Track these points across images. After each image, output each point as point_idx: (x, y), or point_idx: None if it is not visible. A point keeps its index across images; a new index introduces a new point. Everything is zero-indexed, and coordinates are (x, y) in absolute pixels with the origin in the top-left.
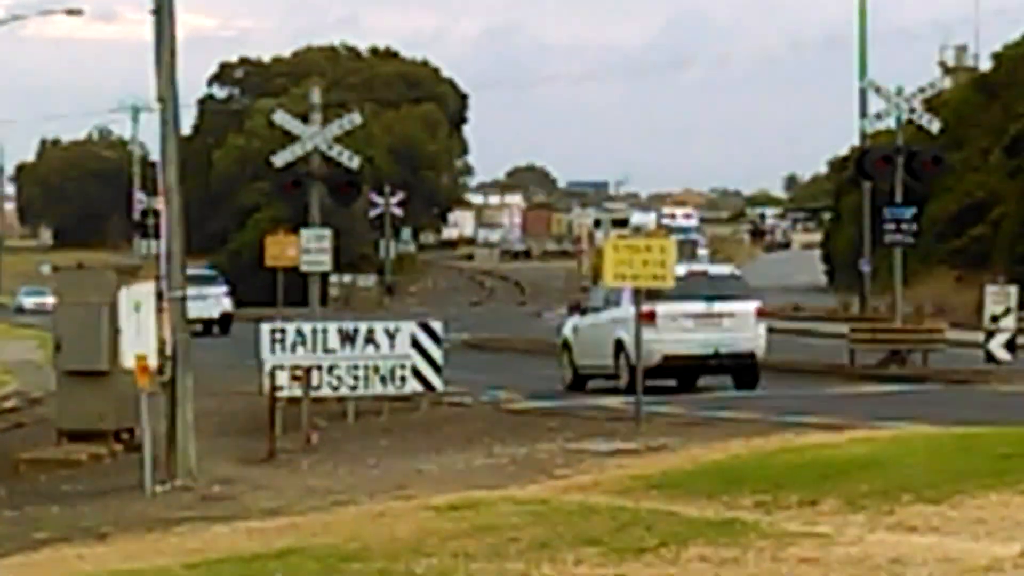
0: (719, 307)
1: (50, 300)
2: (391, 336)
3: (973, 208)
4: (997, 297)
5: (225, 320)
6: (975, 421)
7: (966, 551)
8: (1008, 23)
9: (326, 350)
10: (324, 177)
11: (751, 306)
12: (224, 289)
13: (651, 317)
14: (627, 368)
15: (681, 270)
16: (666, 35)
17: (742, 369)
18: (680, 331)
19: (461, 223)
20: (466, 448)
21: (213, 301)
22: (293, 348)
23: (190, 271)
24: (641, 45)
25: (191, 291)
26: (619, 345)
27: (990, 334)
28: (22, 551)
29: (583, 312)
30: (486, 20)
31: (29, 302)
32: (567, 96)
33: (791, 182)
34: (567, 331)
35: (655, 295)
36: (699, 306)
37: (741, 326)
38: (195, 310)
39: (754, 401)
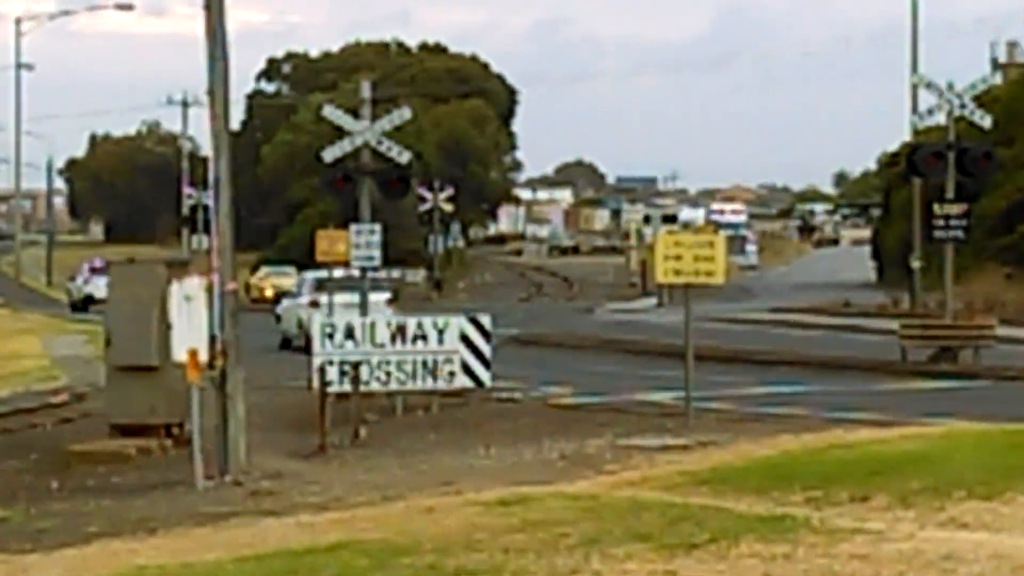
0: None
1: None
2: (440, 331)
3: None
4: None
5: None
6: None
7: (1018, 548)
8: None
9: (375, 345)
10: (374, 172)
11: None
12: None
13: (315, 304)
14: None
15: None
16: (716, 30)
17: None
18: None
19: (509, 218)
20: (515, 443)
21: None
22: (343, 343)
23: None
24: (691, 40)
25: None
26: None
27: None
28: (73, 544)
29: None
30: (536, 14)
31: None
32: (616, 91)
33: (840, 178)
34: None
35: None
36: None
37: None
38: None
39: (804, 397)
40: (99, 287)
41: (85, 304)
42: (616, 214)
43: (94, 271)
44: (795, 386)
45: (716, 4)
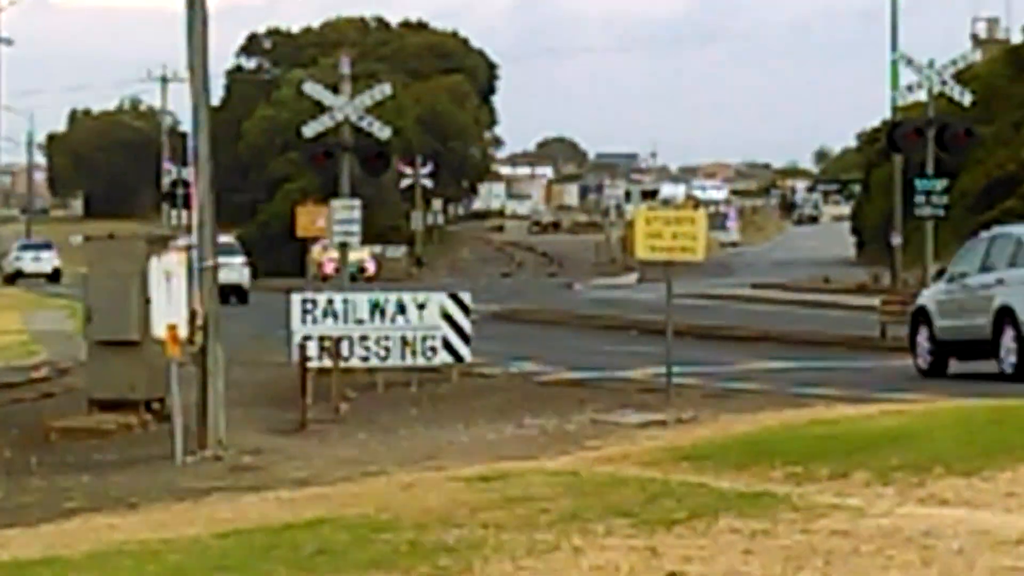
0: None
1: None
2: (420, 307)
3: (1004, 181)
4: None
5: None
6: (1006, 394)
7: (997, 524)
8: None
9: (356, 321)
10: (354, 148)
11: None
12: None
13: None
14: None
15: None
16: (698, 6)
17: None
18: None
19: (489, 194)
20: (496, 419)
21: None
22: (323, 319)
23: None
24: (673, 16)
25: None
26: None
27: None
28: (53, 520)
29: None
30: None
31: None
32: (598, 67)
33: (821, 155)
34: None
35: None
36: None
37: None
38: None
39: (784, 374)
40: (26, 262)
41: (14, 278)
42: (584, 191)
43: (24, 248)
44: (776, 362)
45: None
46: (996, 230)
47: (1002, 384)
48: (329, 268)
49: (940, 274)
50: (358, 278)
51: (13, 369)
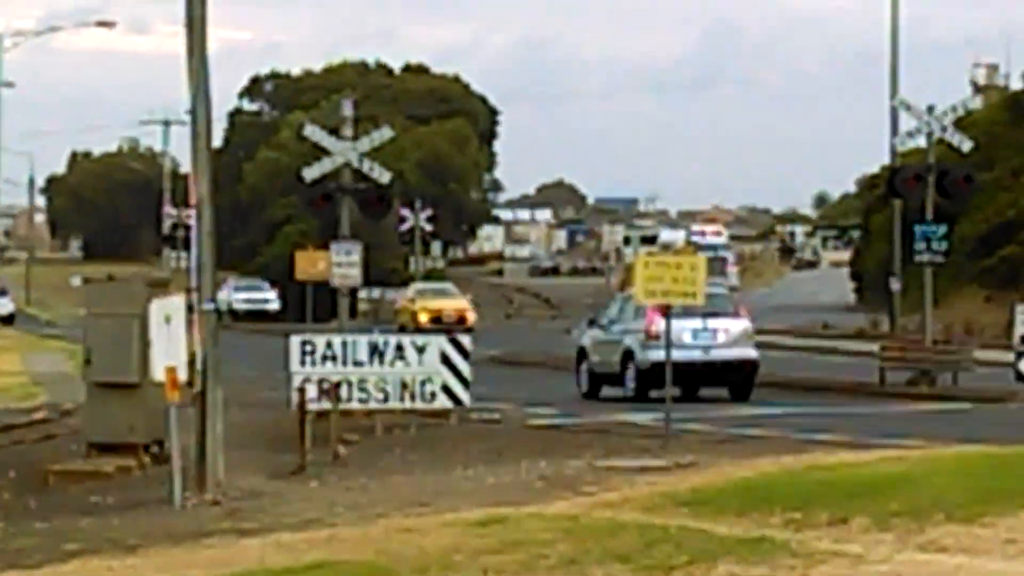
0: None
1: (271, 295)
2: (420, 350)
3: (1003, 228)
4: None
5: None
6: (1005, 441)
7: (997, 571)
8: None
9: (355, 363)
10: (354, 191)
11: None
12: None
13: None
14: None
15: None
16: (700, 51)
17: None
18: None
19: (490, 238)
20: (495, 463)
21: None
22: (322, 361)
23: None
24: (675, 60)
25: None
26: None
27: (1020, 354)
28: (52, 563)
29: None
30: (521, 33)
31: (241, 299)
32: (598, 111)
33: (821, 200)
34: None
35: None
36: None
37: None
38: None
39: (783, 419)
40: (4, 305)
41: None
42: (572, 236)
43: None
44: (775, 408)
45: (700, 25)
46: (628, 292)
47: (628, 403)
48: (426, 318)
49: (592, 322)
50: (455, 330)
51: (13, 411)
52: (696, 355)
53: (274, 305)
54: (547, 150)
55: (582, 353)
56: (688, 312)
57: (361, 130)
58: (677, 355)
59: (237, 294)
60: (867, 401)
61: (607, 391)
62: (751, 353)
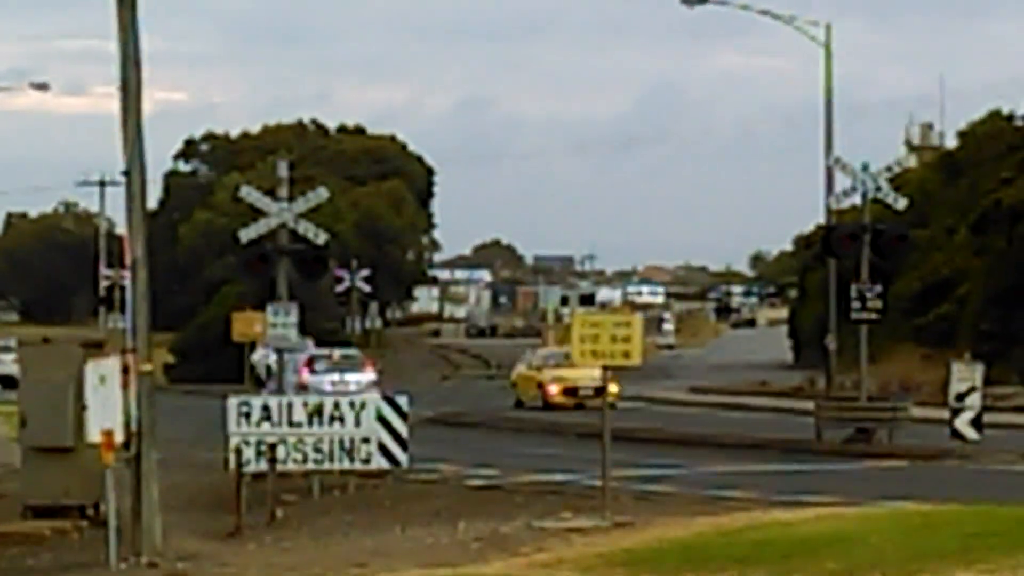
0: None
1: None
2: (357, 411)
3: (939, 286)
4: (963, 375)
5: None
6: (942, 498)
7: None
8: (973, 101)
9: (292, 424)
10: (291, 252)
11: None
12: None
13: None
14: None
15: None
16: (636, 110)
17: None
18: None
19: (426, 299)
20: (432, 524)
21: None
22: (259, 422)
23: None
24: (611, 120)
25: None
26: None
27: (956, 411)
28: None
29: None
30: (459, 94)
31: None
32: (536, 171)
33: (757, 259)
34: None
35: None
36: None
37: None
38: None
39: (721, 477)
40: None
41: None
42: (496, 296)
43: None
44: (713, 466)
45: (637, 85)
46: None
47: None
48: (554, 389)
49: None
50: (590, 405)
51: None
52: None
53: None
54: (484, 209)
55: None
56: (330, 368)
57: (297, 191)
58: None
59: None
60: (804, 459)
61: None
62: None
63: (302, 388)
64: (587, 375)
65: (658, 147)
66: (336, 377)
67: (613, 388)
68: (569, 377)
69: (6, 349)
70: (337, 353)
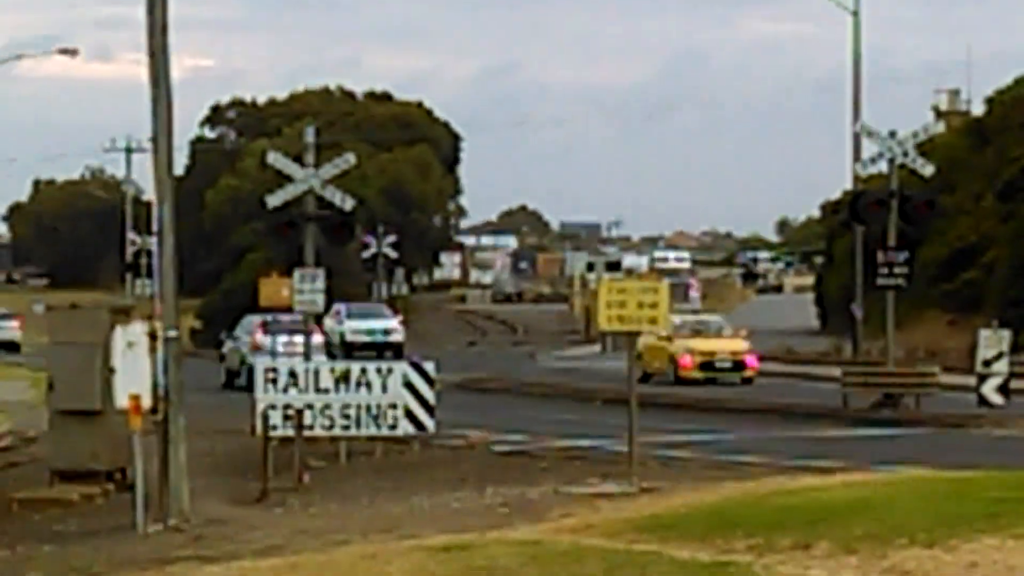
0: None
1: (394, 323)
2: (384, 377)
3: (965, 252)
4: (990, 341)
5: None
6: (968, 465)
7: None
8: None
9: (319, 390)
10: (318, 218)
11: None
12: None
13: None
14: None
15: None
16: (663, 76)
17: None
18: None
19: (452, 264)
20: (458, 489)
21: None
22: (286, 388)
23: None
24: (638, 86)
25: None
26: None
27: (983, 378)
28: None
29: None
30: (484, 60)
31: (357, 328)
32: (562, 137)
33: (783, 225)
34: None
35: None
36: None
37: None
38: None
39: (747, 444)
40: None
41: None
42: (516, 261)
43: None
44: (738, 433)
45: (664, 51)
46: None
47: None
48: (688, 361)
49: (229, 335)
50: (725, 380)
51: None
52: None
53: (398, 336)
54: (511, 176)
55: (220, 357)
56: (282, 330)
57: (324, 157)
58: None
59: (351, 322)
60: (830, 426)
61: (236, 383)
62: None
63: (256, 349)
64: (725, 346)
65: (685, 113)
66: (287, 339)
67: (752, 363)
68: (705, 349)
69: (6, 316)
70: (287, 318)
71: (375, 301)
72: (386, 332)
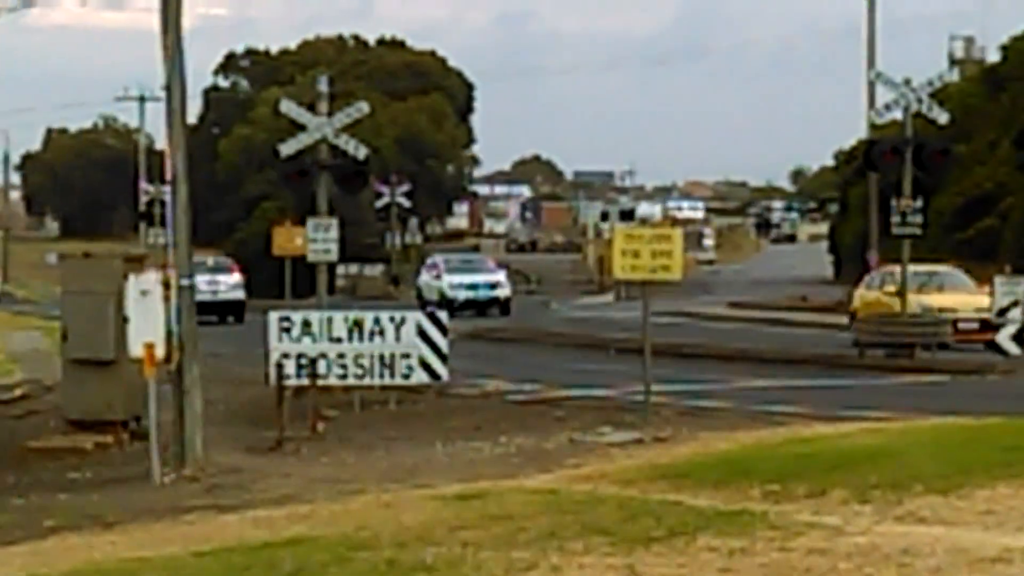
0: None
1: (500, 277)
2: (398, 326)
3: (980, 200)
4: (1005, 289)
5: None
6: (983, 412)
7: (975, 542)
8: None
9: (332, 339)
10: (331, 167)
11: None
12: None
13: None
14: None
15: None
16: (676, 25)
17: None
18: None
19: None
20: (473, 438)
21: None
22: (300, 337)
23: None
24: (652, 35)
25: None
26: None
27: (998, 326)
28: (30, 539)
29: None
30: (498, 8)
31: (459, 283)
32: (575, 86)
33: (798, 174)
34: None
35: None
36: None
37: None
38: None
39: (762, 392)
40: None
41: None
42: (523, 211)
43: None
44: (753, 381)
45: (677, 0)
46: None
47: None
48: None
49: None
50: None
51: None
52: (207, 297)
53: (505, 291)
54: (525, 125)
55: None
56: (204, 271)
57: (337, 106)
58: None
59: (452, 277)
60: (846, 374)
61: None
62: (240, 295)
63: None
64: (967, 303)
65: (698, 62)
66: (208, 278)
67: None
68: (941, 307)
69: (220, 269)
70: (211, 260)
71: (387, 250)
72: (492, 287)
